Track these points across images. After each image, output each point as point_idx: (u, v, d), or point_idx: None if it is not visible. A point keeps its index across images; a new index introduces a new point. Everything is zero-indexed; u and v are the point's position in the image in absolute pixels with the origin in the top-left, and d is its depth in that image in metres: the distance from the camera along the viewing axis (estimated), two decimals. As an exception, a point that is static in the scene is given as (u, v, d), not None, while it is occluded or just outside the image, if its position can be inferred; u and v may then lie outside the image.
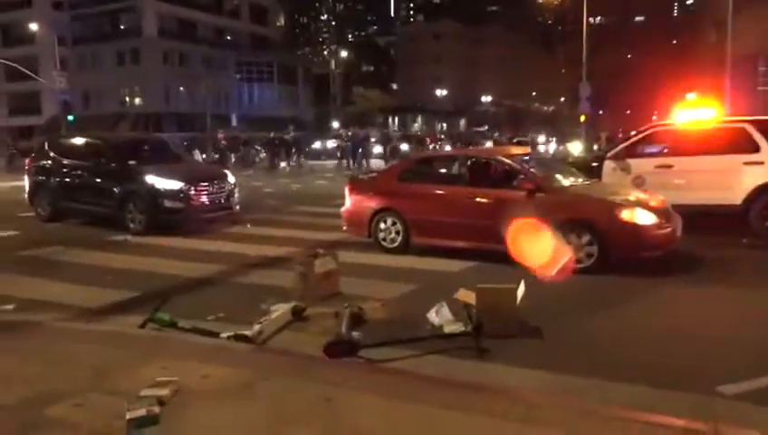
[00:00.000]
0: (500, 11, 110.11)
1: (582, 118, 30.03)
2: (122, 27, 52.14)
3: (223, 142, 33.31)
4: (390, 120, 72.34)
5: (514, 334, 4.66)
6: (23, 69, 36.16)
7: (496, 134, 55.73)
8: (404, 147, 35.42)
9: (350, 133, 35.23)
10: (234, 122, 46.42)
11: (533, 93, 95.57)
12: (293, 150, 32.48)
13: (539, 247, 6.16)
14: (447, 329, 4.75)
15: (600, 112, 56.07)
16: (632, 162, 9.04)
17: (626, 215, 6.65)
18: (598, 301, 5.84)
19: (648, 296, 5.94)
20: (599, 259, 6.62)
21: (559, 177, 7.89)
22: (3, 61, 41.13)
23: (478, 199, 7.45)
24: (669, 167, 8.77)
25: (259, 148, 34.72)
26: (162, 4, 51.49)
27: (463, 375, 3.92)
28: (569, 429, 3.05)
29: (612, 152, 9.41)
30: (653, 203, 7.06)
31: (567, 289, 6.16)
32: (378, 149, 34.48)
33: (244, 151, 33.23)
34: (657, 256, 6.73)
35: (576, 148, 32.29)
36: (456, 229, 7.52)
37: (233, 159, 31.69)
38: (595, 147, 25.25)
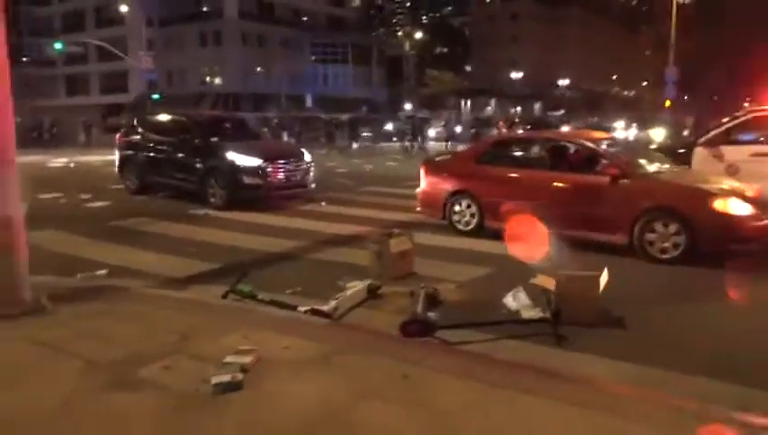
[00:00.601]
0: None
1: (667, 103, 28.58)
2: (205, 9, 53.77)
3: (275, 121, 34.29)
4: (463, 103, 71.36)
5: (595, 323, 4.51)
6: (113, 49, 37.95)
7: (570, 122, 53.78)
8: (458, 129, 35.24)
9: (407, 116, 35.52)
10: (308, 103, 47.14)
11: (614, 77, 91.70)
12: (347, 132, 32.88)
13: None
14: (525, 314, 4.66)
15: (686, 98, 53.14)
16: (726, 149, 8.50)
17: (719, 205, 6.27)
18: (684, 293, 5.56)
19: (738, 291, 5.60)
20: (686, 250, 6.29)
21: (644, 162, 7.53)
22: (95, 42, 43.38)
23: (558, 184, 7.23)
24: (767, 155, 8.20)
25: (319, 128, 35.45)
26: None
27: (540, 362, 3.84)
28: (657, 423, 2.93)
29: (704, 139, 8.88)
30: (749, 193, 6.62)
31: (652, 279, 5.92)
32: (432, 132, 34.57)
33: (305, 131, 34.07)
34: (752, 249, 6.33)
35: (658, 134, 30.77)
36: (533, 214, 7.33)
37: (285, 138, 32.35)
38: (686, 132, 23.88)
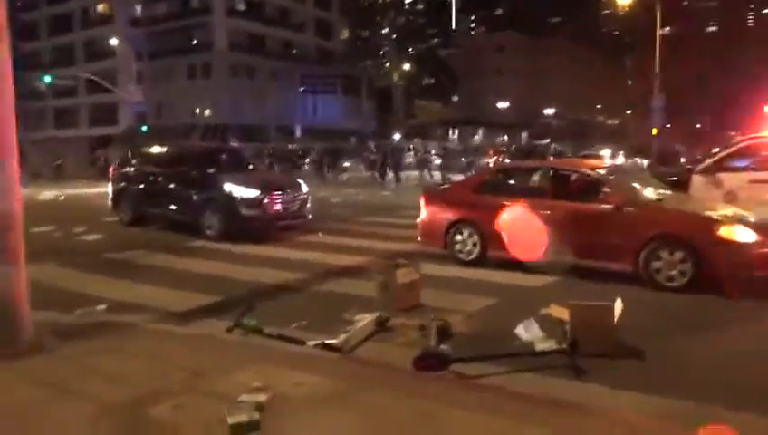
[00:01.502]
0: (564, 22, 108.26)
1: (654, 131, 28.97)
2: (194, 42, 54.19)
3: (269, 151, 34.32)
4: (451, 132, 72.03)
5: (612, 354, 4.44)
6: (102, 82, 38.04)
7: (553, 146, 54.13)
8: (437, 161, 32.39)
9: (376, 145, 33.74)
10: (297, 133, 47.29)
11: (598, 106, 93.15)
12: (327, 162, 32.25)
13: None
14: (540, 346, 4.58)
15: (669, 126, 54.02)
16: (724, 176, 8.58)
17: (724, 232, 6.28)
18: (697, 321, 5.52)
19: (749, 319, 5.57)
20: (692, 278, 6.27)
21: (645, 190, 7.56)
22: (85, 75, 43.47)
23: (560, 213, 7.22)
24: (766, 181, 8.27)
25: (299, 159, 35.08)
26: (233, 20, 53.23)
27: (559, 394, 3.75)
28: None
29: (701, 166, 8.96)
30: (753, 220, 6.64)
31: (663, 308, 5.89)
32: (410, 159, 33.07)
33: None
34: (758, 275, 6.31)
35: (647, 162, 31.08)
36: (534, 243, 7.29)
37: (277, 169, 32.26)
38: (682, 159, 24.12)
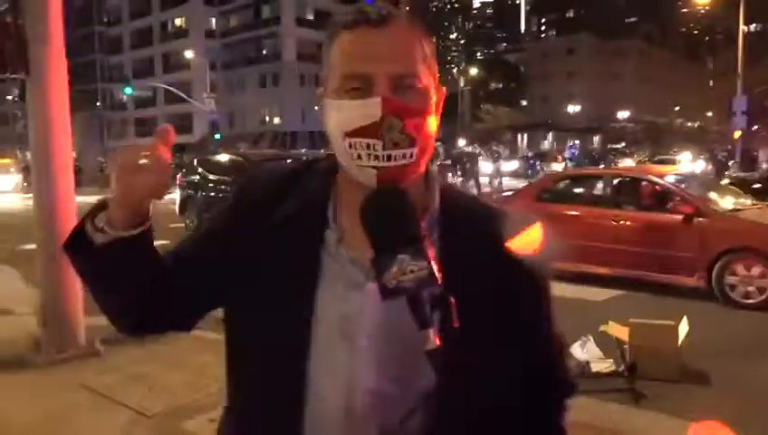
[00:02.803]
0: (639, 22, 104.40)
1: (737, 134, 27.30)
2: (265, 52, 55.80)
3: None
4: (519, 137, 70.71)
5: (674, 378, 4.10)
6: (178, 92, 39.74)
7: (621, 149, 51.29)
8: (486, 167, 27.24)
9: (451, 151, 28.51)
10: (364, 140, 47.66)
11: (676, 108, 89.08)
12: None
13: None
14: (596, 367, 4.29)
15: (756, 128, 50.87)
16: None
17: (810, 246, 5.74)
18: (774, 344, 5.05)
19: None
20: (772, 295, 5.76)
21: (722, 199, 7.04)
22: (163, 85, 45.60)
23: (626, 223, 6.83)
24: None
25: None
26: (301, 30, 54.46)
27: (615, 422, 3.47)
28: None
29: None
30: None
31: (735, 327, 5.44)
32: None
33: None
34: None
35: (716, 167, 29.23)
36: (599, 255, 6.93)
37: None
38: (764, 165, 22.38)
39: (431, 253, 0.79)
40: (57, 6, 4.25)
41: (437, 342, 0.76)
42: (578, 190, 8.07)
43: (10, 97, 70.94)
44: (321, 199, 0.94)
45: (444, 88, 0.95)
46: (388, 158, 0.84)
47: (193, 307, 1.01)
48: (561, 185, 8.24)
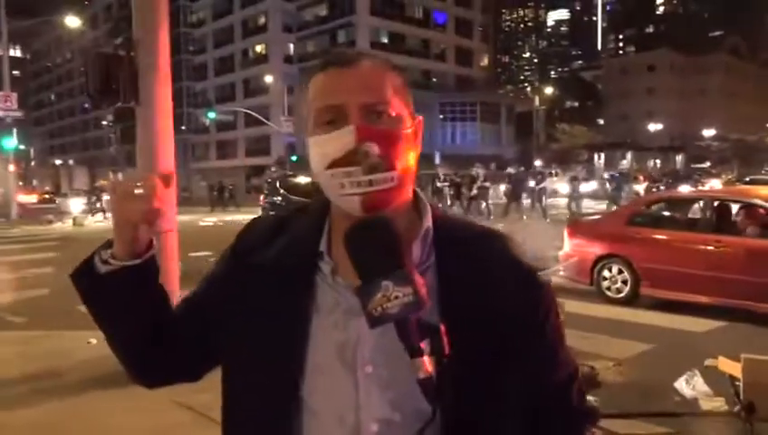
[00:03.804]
0: (724, 36, 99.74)
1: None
2: (340, 76, 57.08)
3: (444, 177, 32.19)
4: (597, 156, 68.65)
5: (798, 421, 3.75)
6: (257, 116, 41.22)
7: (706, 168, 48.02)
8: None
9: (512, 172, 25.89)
10: (437, 160, 47.69)
11: (767, 125, 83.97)
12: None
13: None
14: (705, 405, 4.01)
15: None
16: None
17: None
18: None
19: None
20: None
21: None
22: (243, 109, 47.46)
23: (727, 249, 6.42)
24: None
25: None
26: (374, 51, 55.45)
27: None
28: None
29: None
30: None
31: None
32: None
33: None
34: None
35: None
36: (698, 282, 6.54)
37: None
38: None
39: (421, 279, 0.79)
40: (165, 38, 4.50)
41: (428, 370, 0.76)
42: (673, 213, 7.67)
43: (105, 122, 76.10)
44: (314, 234, 0.96)
45: (420, 118, 0.98)
46: (370, 183, 0.86)
47: (199, 352, 1.02)
48: (656, 208, 7.87)
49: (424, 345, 0.78)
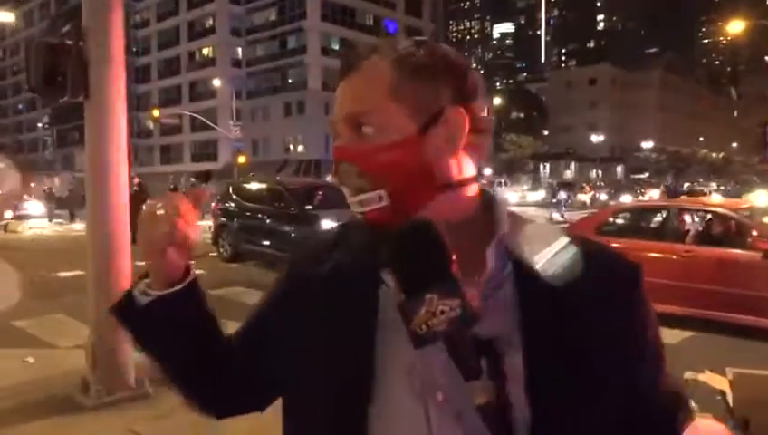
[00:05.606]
0: (660, 53, 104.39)
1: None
2: (290, 81, 56.44)
3: None
4: (542, 167, 70.35)
5: (790, 437, 3.66)
6: (205, 120, 40.13)
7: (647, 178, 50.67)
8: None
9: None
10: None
11: (700, 139, 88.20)
12: None
13: None
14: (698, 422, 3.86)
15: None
16: None
17: None
18: None
19: None
20: None
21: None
22: (189, 113, 46.17)
23: (695, 259, 6.41)
24: None
25: None
26: (327, 59, 55.08)
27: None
28: None
29: None
30: None
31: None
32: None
33: None
34: None
35: (761, 198, 28.41)
36: (666, 292, 6.50)
37: None
38: None
39: (473, 289, 0.72)
40: (119, 26, 4.07)
41: (488, 395, 0.70)
42: (640, 223, 7.67)
43: (40, 124, 72.72)
44: (374, 244, 0.84)
45: (454, 110, 0.81)
46: (361, 203, 0.81)
47: (260, 379, 0.95)
48: (623, 217, 7.85)
49: (483, 366, 0.70)
